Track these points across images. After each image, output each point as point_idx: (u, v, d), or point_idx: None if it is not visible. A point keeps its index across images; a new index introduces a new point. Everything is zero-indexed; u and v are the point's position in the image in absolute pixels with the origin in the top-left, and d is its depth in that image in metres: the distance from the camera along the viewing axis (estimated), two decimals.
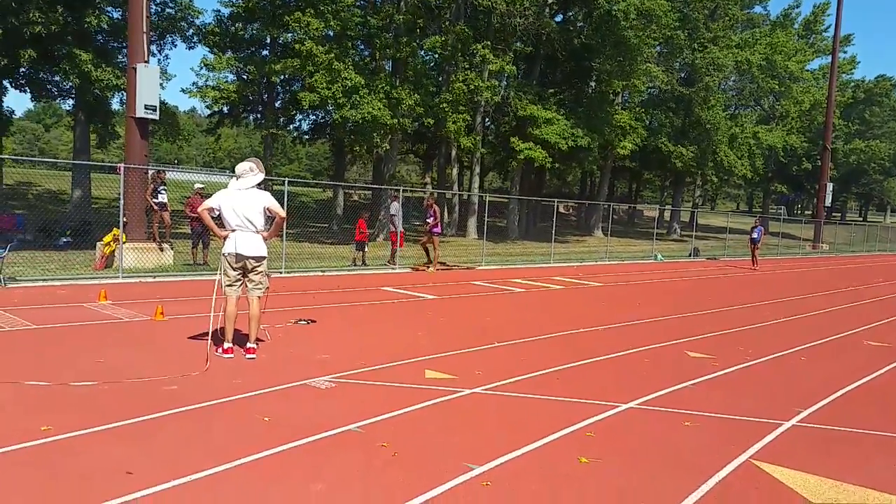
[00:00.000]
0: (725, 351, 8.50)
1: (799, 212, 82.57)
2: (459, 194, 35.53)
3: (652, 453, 4.72)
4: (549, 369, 7.02)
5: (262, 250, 6.84)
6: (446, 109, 25.75)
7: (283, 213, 6.90)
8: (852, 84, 61.79)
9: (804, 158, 56.33)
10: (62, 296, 9.98)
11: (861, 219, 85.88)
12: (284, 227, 15.23)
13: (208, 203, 6.77)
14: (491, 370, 6.82)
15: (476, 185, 32.02)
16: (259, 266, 6.88)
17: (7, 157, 26.41)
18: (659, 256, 25.39)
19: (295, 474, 4.05)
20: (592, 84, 34.45)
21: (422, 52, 27.84)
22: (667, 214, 47.22)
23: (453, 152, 33.63)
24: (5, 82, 20.76)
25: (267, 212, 6.82)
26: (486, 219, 20.41)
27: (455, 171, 35.46)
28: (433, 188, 43.34)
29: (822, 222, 40.66)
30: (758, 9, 50.51)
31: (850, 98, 58.63)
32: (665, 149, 38.81)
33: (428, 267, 17.07)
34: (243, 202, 6.73)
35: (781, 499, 4.06)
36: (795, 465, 4.56)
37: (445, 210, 33.51)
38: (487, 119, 33.22)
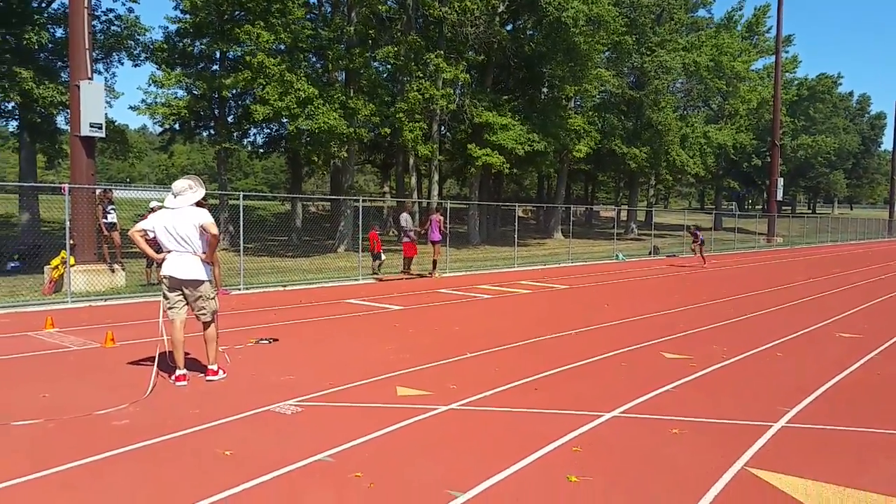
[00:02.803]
0: (701, 350, 8.37)
1: (750, 206, 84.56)
2: (419, 202, 35.25)
3: (643, 467, 4.48)
4: (525, 379, 6.76)
5: (199, 273, 6.34)
6: (402, 118, 25.46)
7: (215, 231, 6.32)
8: (796, 82, 63.65)
9: (754, 155, 57.68)
10: (4, 325, 9.34)
11: (810, 211, 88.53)
12: (241, 242, 14.89)
13: (141, 225, 6.32)
14: (465, 383, 6.52)
15: (435, 192, 31.77)
16: (198, 292, 6.40)
17: None
18: (621, 256, 25.48)
19: None
20: (545, 90, 34.67)
21: (375, 63, 27.54)
22: (623, 214, 47.74)
23: (411, 161, 33.34)
24: None
25: (201, 230, 6.33)
26: (447, 226, 20.15)
27: (413, 180, 35.16)
28: (392, 197, 43.02)
29: (775, 216, 41.55)
30: (702, 12, 51.41)
31: (795, 95, 60.34)
32: (619, 150, 39.28)
33: (433, 273, 17.64)
34: (178, 222, 6.28)
35: None
36: (792, 471, 4.37)
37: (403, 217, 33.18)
38: (443, 127, 33.06)
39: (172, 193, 6.44)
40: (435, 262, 17.74)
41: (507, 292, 14.52)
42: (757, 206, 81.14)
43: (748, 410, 5.78)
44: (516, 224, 22.74)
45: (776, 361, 7.85)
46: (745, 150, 53.23)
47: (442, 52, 26.87)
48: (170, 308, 6.43)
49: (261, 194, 55.90)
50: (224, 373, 6.63)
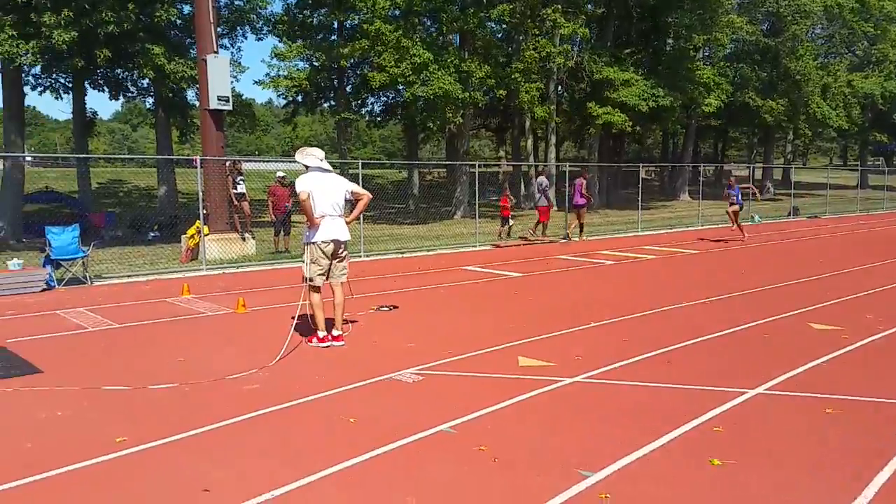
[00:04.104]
0: (853, 321, 7.55)
1: None
2: (535, 165, 34.60)
3: (795, 451, 4.03)
4: (657, 351, 6.34)
5: (348, 234, 6.70)
6: (518, 79, 24.83)
7: (369, 194, 6.75)
8: None
9: None
10: (146, 291, 9.98)
11: None
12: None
13: (303, 189, 6.36)
14: (591, 354, 6.21)
15: (552, 155, 31.00)
16: (346, 252, 6.76)
17: (90, 156, 27.41)
18: (756, 218, 23.79)
19: (384, 486, 3.60)
20: (670, 41, 32.75)
21: (489, 23, 26.95)
22: (757, 173, 44.63)
23: (527, 123, 32.67)
24: (85, 83, 21.36)
25: (350, 195, 6.64)
26: (566, 190, 19.57)
27: (529, 143, 34.49)
28: (507, 162, 42.54)
29: None
30: None
31: None
32: (753, 104, 36.57)
33: (581, 237, 17.67)
34: (330, 186, 6.52)
35: None
36: None
37: (522, 184, 32.72)
38: (560, 86, 32.04)
39: (316, 156, 6.58)
40: (581, 227, 17.67)
41: (632, 258, 13.89)
42: None
43: None
44: (640, 186, 21.73)
45: None
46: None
47: (559, 6, 25.80)
48: (320, 274, 6.55)
49: (379, 162, 57.04)
50: (343, 340, 6.68)
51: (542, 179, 17.65)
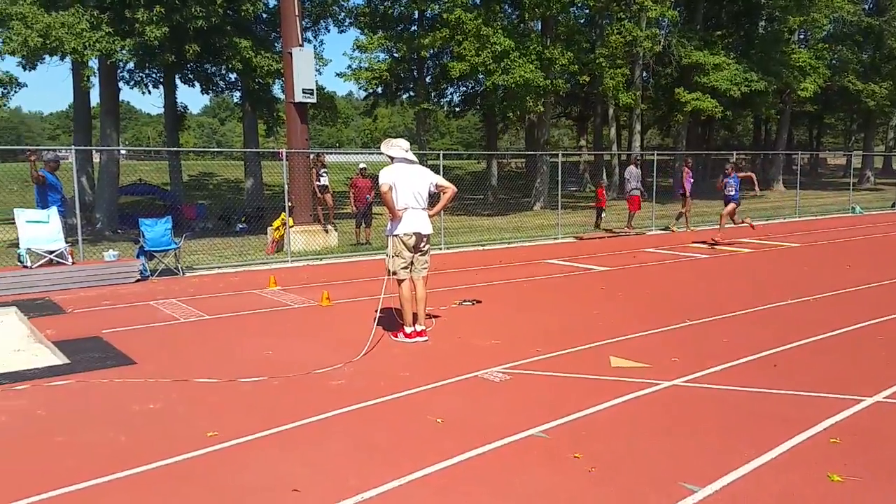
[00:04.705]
0: None
1: None
2: (618, 154, 33.69)
3: None
4: (761, 353, 5.92)
5: (430, 227, 6.58)
6: (602, 65, 24.14)
7: (454, 187, 6.61)
8: None
9: None
10: (235, 283, 10.20)
11: None
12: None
13: (385, 181, 6.31)
14: (688, 356, 5.86)
15: (637, 143, 30.09)
16: (429, 245, 6.64)
17: (181, 149, 28.52)
18: (858, 209, 22.32)
19: (477, 493, 3.45)
20: (763, 23, 31.14)
21: (573, 9, 26.29)
22: (856, 161, 41.97)
23: (610, 111, 31.84)
24: (175, 78, 22.18)
25: (434, 188, 6.51)
26: (653, 179, 18.89)
27: (612, 131, 33.60)
28: (588, 151, 41.61)
29: None
30: None
31: None
32: (853, 88, 34.36)
33: (688, 227, 17.15)
34: (414, 179, 6.41)
35: None
36: None
37: (604, 173, 31.92)
38: (646, 72, 31.00)
39: (402, 147, 6.49)
40: (684, 215, 17.15)
41: (726, 251, 13.21)
42: None
43: None
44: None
45: None
46: None
47: None
48: (403, 267, 6.45)
49: (457, 152, 57.01)
50: (427, 336, 6.57)
51: (633, 168, 17.16)
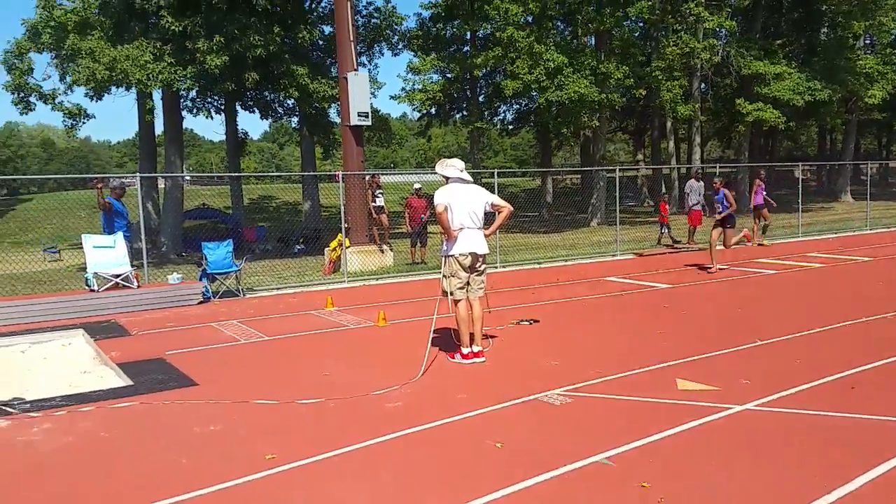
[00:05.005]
0: None
1: None
2: (677, 168, 32.95)
3: None
4: (838, 374, 5.57)
5: (486, 247, 6.47)
6: (659, 77, 23.73)
7: (510, 206, 6.50)
8: None
9: None
10: (293, 304, 10.30)
11: None
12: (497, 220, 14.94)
13: (440, 202, 6.26)
14: (761, 378, 5.56)
15: (696, 156, 29.36)
16: (485, 265, 6.53)
17: (241, 174, 29.28)
18: None
19: None
20: (825, 29, 30.11)
21: (627, 22, 25.99)
22: None
23: (668, 124, 31.22)
24: (236, 105, 22.84)
25: (490, 207, 6.42)
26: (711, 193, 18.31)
27: (671, 145, 32.90)
28: (646, 165, 40.85)
29: None
30: None
31: None
32: None
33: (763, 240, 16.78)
34: (469, 198, 6.33)
35: None
36: None
37: (663, 187, 31.25)
38: (704, 83, 30.33)
39: (457, 167, 6.42)
40: (765, 227, 16.89)
41: (794, 266, 12.67)
42: None
43: None
44: (800, 187, 20.07)
45: None
46: None
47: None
48: (459, 288, 6.37)
49: (512, 170, 56.87)
50: (484, 356, 6.44)
51: (694, 182, 16.77)
